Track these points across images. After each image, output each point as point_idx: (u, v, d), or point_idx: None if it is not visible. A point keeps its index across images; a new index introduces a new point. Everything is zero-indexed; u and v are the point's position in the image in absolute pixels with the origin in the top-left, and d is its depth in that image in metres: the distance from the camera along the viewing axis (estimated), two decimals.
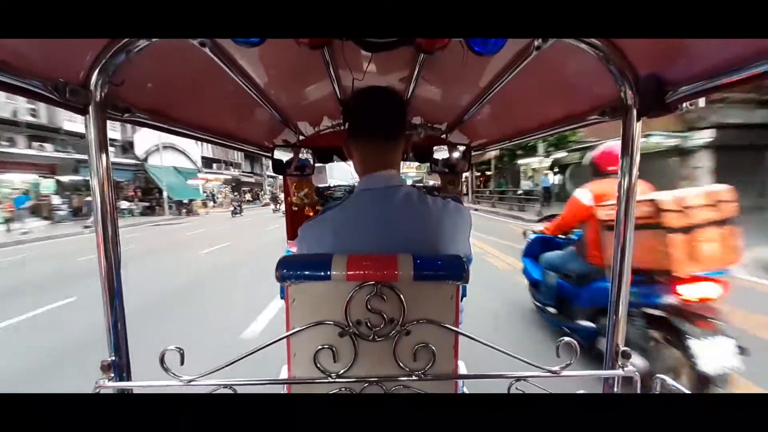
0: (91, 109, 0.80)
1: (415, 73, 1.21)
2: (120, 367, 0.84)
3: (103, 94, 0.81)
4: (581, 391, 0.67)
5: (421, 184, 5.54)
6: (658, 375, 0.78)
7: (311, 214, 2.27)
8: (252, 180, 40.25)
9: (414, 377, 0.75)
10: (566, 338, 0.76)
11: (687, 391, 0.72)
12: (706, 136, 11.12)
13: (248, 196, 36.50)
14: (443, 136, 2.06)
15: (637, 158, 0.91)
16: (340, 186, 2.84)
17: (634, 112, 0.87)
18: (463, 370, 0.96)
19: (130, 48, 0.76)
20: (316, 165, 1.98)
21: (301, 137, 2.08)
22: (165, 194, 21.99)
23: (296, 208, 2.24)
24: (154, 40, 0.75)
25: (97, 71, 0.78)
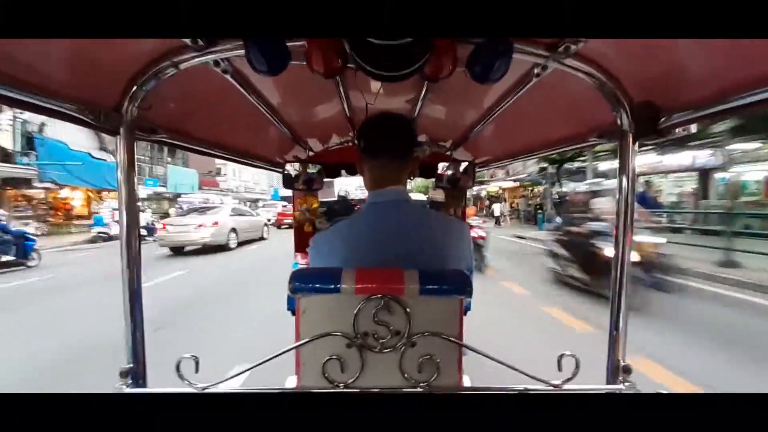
0: (121, 130, 0.87)
1: (422, 94, 1.27)
2: (137, 374, 0.88)
3: (132, 117, 0.87)
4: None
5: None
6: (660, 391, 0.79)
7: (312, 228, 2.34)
8: None
9: (419, 389, 0.77)
10: (568, 352, 0.78)
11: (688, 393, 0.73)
12: None
13: None
14: (448, 153, 2.12)
15: (634, 179, 0.94)
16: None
17: (630, 136, 0.92)
18: (466, 382, 0.97)
19: (160, 75, 0.82)
20: (324, 180, 2.04)
21: (310, 153, 2.16)
22: None
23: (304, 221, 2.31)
24: (181, 67, 0.81)
25: (128, 97, 0.85)
